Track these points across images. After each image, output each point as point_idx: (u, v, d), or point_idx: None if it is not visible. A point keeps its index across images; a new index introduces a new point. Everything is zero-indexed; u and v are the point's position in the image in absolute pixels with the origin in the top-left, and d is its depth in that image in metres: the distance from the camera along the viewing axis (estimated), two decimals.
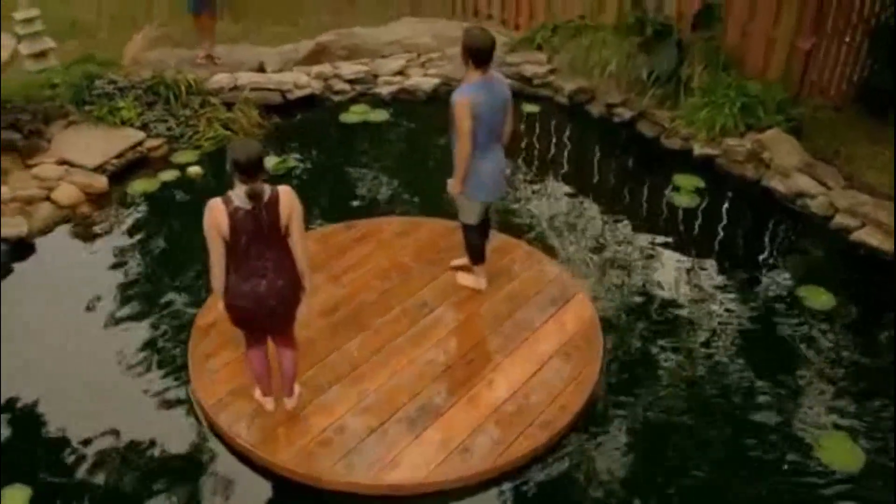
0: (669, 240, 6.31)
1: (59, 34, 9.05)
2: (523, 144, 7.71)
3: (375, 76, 8.48)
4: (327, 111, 8.17)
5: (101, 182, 6.66)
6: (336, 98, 8.29)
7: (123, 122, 7.20)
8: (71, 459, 4.47)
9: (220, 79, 8.07)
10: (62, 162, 6.75)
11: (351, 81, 8.39)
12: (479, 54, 4.77)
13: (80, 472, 4.40)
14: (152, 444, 4.56)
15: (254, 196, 3.82)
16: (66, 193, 6.47)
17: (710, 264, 6.07)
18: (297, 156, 7.42)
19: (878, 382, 4.99)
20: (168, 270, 5.89)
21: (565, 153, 7.83)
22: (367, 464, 4.35)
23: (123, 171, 6.94)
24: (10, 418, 4.71)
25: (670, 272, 5.97)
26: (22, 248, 6.08)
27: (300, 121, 8.06)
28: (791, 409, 4.82)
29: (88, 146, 6.93)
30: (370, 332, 5.23)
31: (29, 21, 8.23)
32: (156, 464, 4.46)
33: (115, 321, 5.43)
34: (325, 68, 8.49)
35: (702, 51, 7.53)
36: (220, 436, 4.59)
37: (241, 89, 7.93)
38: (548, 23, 8.88)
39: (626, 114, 7.82)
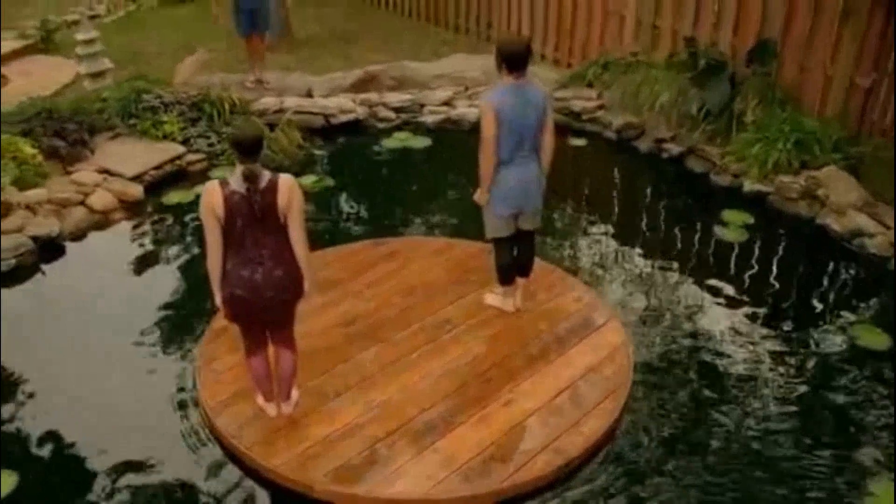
0: (715, 276, 5.93)
1: (121, 62, 9.32)
2: (567, 178, 7.50)
3: (421, 105, 8.43)
4: (370, 137, 8.12)
5: (136, 190, 6.70)
6: (380, 125, 8.25)
7: (166, 137, 7.27)
8: (59, 448, 4.35)
9: (267, 101, 8.14)
10: (102, 170, 6.82)
11: (396, 109, 8.35)
12: (510, 57, 4.58)
13: (67, 461, 4.28)
14: (151, 441, 4.38)
15: (249, 177, 3.70)
16: (101, 199, 6.52)
17: (758, 301, 5.66)
18: (335, 176, 7.35)
19: None
20: (191, 278, 5.80)
21: (610, 187, 7.59)
22: (364, 475, 4.07)
23: (161, 182, 6.97)
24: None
25: (714, 309, 5.57)
26: (52, 248, 6.10)
27: (342, 144, 8.03)
28: (843, 460, 4.36)
29: (129, 157, 7.00)
30: (386, 345, 5.00)
31: (89, 42, 8.49)
32: (151, 461, 4.27)
33: (134, 322, 5.33)
34: (372, 96, 8.49)
35: (755, 86, 7.24)
36: (218, 438, 4.39)
37: (286, 111, 7.96)
38: (599, 59, 8.74)
39: (674, 149, 7.54)
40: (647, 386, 4.83)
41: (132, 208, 6.63)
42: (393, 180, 7.40)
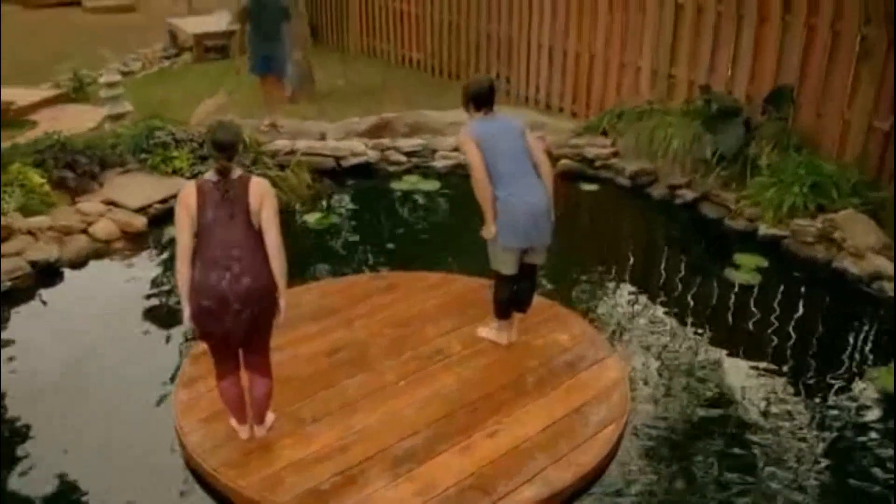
0: (725, 319, 5.70)
1: (145, 107, 9.49)
2: (578, 223, 7.36)
3: (433, 151, 8.40)
4: (380, 179, 8.09)
5: (139, 222, 6.69)
6: (391, 168, 8.22)
7: (175, 172, 7.30)
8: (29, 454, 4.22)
9: (279, 143, 8.18)
10: (108, 202, 6.84)
11: (408, 154, 8.33)
12: (477, 96, 4.68)
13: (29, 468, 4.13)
14: (122, 458, 4.22)
15: (222, 170, 3.73)
16: (104, 228, 6.51)
17: (771, 344, 5.39)
18: (341, 214, 7.30)
19: None
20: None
21: (620, 232, 7.43)
22: (333, 501, 3.84)
23: (165, 215, 6.94)
24: None
25: (723, 353, 5.26)
26: (51, 273, 6.06)
27: (351, 185, 8.00)
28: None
29: (135, 190, 7.03)
30: (373, 374, 4.81)
31: (111, 85, 8.69)
32: (116, 476, 4.11)
33: (121, 350, 5.23)
34: (384, 140, 8.49)
35: (771, 131, 7.10)
36: (187, 460, 4.20)
37: (297, 153, 7.98)
38: (614, 108, 8.68)
39: (688, 195, 7.37)
40: (648, 427, 4.55)
41: (134, 239, 6.61)
42: (399, 219, 7.32)
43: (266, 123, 8.67)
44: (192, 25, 14.22)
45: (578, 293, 5.99)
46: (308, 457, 4.11)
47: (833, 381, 4.99)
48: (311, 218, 7.05)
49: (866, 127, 6.77)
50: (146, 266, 6.34)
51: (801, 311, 5.95)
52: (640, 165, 7.83)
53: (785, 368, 5.13)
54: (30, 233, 6.17)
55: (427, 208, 7.57)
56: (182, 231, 3.75)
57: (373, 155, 8.25)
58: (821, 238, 6.33)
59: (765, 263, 6.34)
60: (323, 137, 8.54)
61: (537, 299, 5.48)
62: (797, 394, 4.87)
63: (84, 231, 6.47)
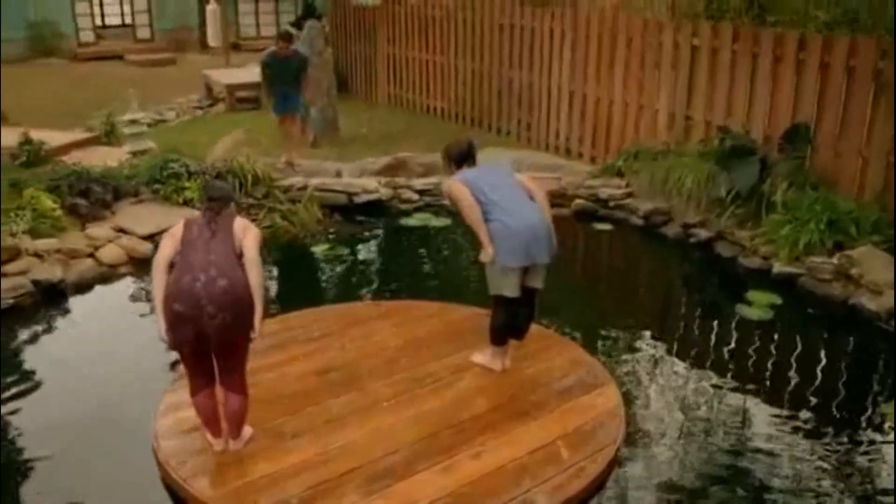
0: (733, 356, 5.46)
1: (169, 146, 9.68)
2: (588, 261, 7.24)
3: None
4: (391, 216, 8.08)
5: (146, 248, 6.71)
6: (402, 206, 8.21)
7: (186, 203, 7.37)
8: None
9: (293, 179, 8.24)
10: (117, 229, 6.90)
11: (420, 192, 8.33)
12: (458, 156, 4.80)
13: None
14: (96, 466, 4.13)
15: (211, 208, 3.96)
16: (110, 253, 6.56)
17: (781, 382, 5.16)
18: (348, 246, 7.27)
19: None
20: None
21: (631, 270, 7.28)
22: None
23: None
24: None
25: (731, 389, 5.01)
26: (55, 294, 6.09)
27: (361, 221, 7.98)
28: None
29: (146, 218, 7.10)
30: (360, 393, 4.68)
31: (134, 122, 8.89)
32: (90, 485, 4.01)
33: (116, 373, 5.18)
34: (398, 179, 8.50)
35: (787, 168, 6.94)
36: (160, 469, 4.09)
37: (309, 188, 8.02)
38: (630, 149, 8.61)
39: (702, 234, 7.21)
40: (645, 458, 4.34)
41: (139, 265, 6.61)
42: (405, 252, 7.30)
43: (283, 161, 8.76)
44: (226, 77, 14.61)
45: (586, 329, 5.76)
46: (283, 470, 3.97)
47: (847, 417, 4.74)
48: (318, 248, 7.03)
49: (885, 163, 6.59)
50: (148, 291, 6.32)
51: (814, 347, 5.70)
52: (654, 205, 7.72)
53: (798, 403, 4.87)
54: (37, 254, 6.23)
55: (435, 244, 7.51)
56: (163, 247, 3.89)
57: (385, 192, 8.25)
58: (837, 275, 6.11)
59: (779, 301, 6.12)
60: (338, 176, 8.59)
61: (536, 328, 5.36)
62: (807, 430, 4.60)
63: (91, 255, 6.52)
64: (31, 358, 5.30)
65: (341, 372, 4.92)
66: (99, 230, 6.80)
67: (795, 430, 4.57)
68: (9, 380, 4.96)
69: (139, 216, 7.15)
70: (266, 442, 4.19)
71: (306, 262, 7.15)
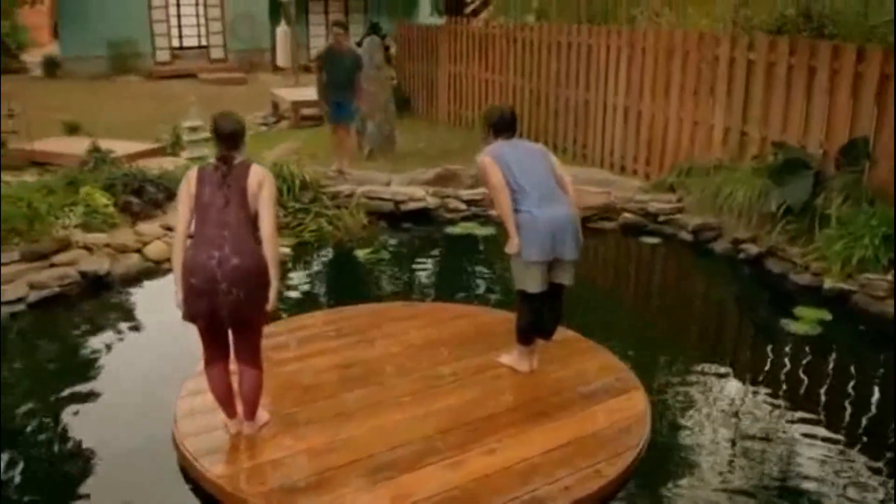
0: (778, 371, 5.23)
1: None
2: (631, 274, 7.09)
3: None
4: (437, 225, 8.07)
5: None
6: (449, 215, 8.20)
7: None
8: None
9: (342, 186, 8.33)
10: (166, 227, 7.08)
11: (468, 202, 8.30)
12: (498, 124, 4.66)
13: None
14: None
15: (222, 157, 3.81)
16: (156, 249, 6.73)
17: (827, 397, 4.91)
18: (391, 250, 7.31)
19: None
20: None
21: (675, 284, 7.11)
22: (303, 498, 3.66)
23: None
24: None
25: (773, 407, 4.77)
26: (100, 285, 6.28)
27: (406, 228, 8.01)
28: None
29: None
30: (379, 388, 4.66)
31: (194, 129, 9.16)
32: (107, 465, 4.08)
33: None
34: (446, 189, 8.50)
35: (843, 183, 6.66)
36: (176, 447, 4.13)
37: (356, 195, 8.10)
38: (683, 165, 8.42)
39: (752, 249, 6.96)
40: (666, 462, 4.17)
41: None
42: (446, 259, 7.29)
43: (334, 169, 8.88)
44: (292, 95, 14.97)
45: (624, 342, 5.58)
46: (291, 456, 3.97)
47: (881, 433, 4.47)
48: (361, 252, 7.09)
49: None
50: None
51: (863, 364, 5.40)
52: (704, 220, 7.50)
53: (839, 420, 4.64)
54: (86, 247, 6.45)
55: (477, 252, 7.47)
56: (182, 215, 3.84)
57: (432, 201, 8.26)
58: (892, 292, 5.80)
59: (828, 317, 5.84)
60: (388, 185, 8.66)
61: (568, 333, 5.28)
62: (844, 447, 4.35)
63: (138, 251, 6.71)
64: (72, 344, 5.47)
65: (362, 367, 4.91)
66: (148, 227, 7.01)
67: (827, 440, 4.34)
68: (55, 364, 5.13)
69: None
70: (278, 428, 4.20)
71: (348, 264, 7.22)
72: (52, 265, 6.16)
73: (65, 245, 6.33)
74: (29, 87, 16.65)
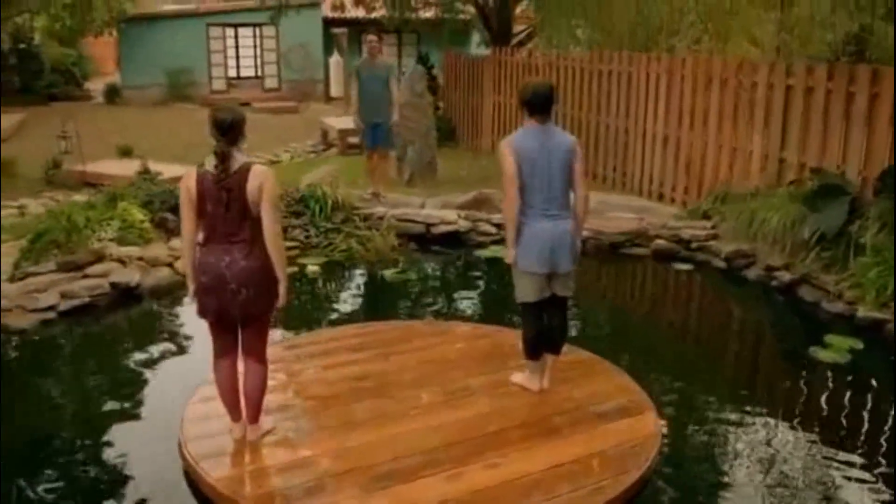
0: (805, 400, 5.10)
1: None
2: (660, 300, 6.98)
3: None
4: (467, 248, 8.07)
5: None
6: (479, 238, 8.18)
7: None
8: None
9: (376, 209, 8.42)
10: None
11: (499, 225, 8.28)
12: (532, 100, 4.46)
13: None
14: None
15: (219, 155, 3.74)
16: None
17: (854, 427, 4.74)
18: (419, 271, 7.34)
19: None
20: None
21: (704, 311, 6.97)
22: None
23: None
24: None
25: (800, 435, 4.61)
26: (132, 297, 6.45)
27: (436, 250, 8.04)
28: None
29: None
30: (389, 401, 4.65)
31: None
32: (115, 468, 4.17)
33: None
34: (479, 213, 8.52)
35: (880, 210, 6.46)
36: (180, 450, 4.19)
37: (388, 216, 8.17)
38: (719, 192, 8.29)
39: (785, 277, 6.77)
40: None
41: None
42: (472, 280, 7.28)
43: (370, 192, 8.99)
44: (340, 123, 15.24)
45: (648, 366, 5.46)
46: (291, 462, 3.99)
47: None
48: (388, 272, 7.14)
49: None
50: None
51: (888, 394, 5.18)
52: (737, 247, 7.35)
53: (861, 447, 4.45)
54: (120, 260, 6.64)
55: (504, 275, 7.41)
56: (185, 217, 3.90)
57: (463, 224, 8.27)
58: None
59: (860, 346, 5.65)
60: (422, 208, 8.72)
61: (585, 354, 5.21)
62: (863, 471, 4.18)
63: (169, 265, 6.87)
64: (98, 351, 5.62)
65: (375, 380, 4.92)
66: (181, 242, 7.15)
67: (846, 463, 4.17)
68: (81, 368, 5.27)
69: None
70: (283, 435, 4.23)
71: (375, 283, 7.26)
72: (86, 276, 6.34)
73: (99, 257, 6.52)
74: (90, 113, 17.36)
